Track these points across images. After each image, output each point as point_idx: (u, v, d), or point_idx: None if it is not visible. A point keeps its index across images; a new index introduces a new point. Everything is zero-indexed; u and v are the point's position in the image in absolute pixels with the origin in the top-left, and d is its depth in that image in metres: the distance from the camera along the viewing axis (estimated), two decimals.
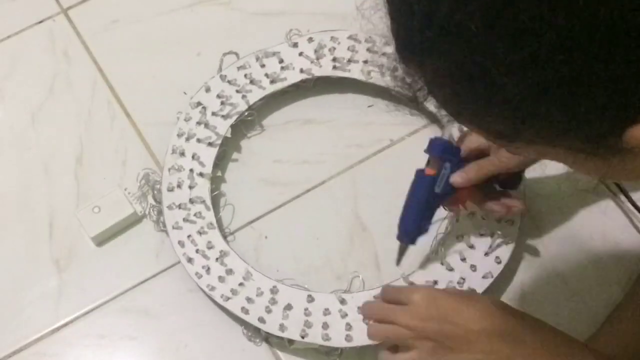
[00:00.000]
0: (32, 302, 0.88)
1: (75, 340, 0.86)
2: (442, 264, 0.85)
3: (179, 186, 0.90)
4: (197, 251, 0.87)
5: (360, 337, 0.81)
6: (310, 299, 0.84)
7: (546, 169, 0.87)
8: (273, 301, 0.83)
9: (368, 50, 0.97)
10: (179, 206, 0.89)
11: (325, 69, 0.97)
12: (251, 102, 0.95)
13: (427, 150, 0.79)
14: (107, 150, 0.97)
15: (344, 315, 0.83)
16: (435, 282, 0.84)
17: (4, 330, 0.86)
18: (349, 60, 0.97)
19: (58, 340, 0.86)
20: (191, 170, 0.91)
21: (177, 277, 0.88)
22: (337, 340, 0.81)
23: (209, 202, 0.89)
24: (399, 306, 0.76)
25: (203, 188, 0.90)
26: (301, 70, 0.97)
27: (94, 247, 0.91)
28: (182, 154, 0.92)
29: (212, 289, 0.85)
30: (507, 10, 0.42)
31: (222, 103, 0.95)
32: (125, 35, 1.06)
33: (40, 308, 0.88)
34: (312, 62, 0.97)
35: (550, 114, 0.44)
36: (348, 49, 0.97)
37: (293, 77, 0.97)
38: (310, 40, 0.98)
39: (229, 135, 0.94)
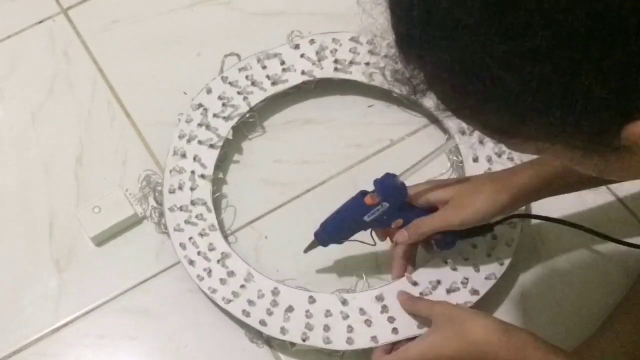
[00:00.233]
0: (32, 302, 0.88)
1: (75, 340, 0.86)
2: (445, 262, 0.84)
3: (180, 188, 0.90)
4: (198, 253, 0.87)
5: (361, 339, 0.81)
6: (312, 300, 0.83)
7: None
8: (274, 303, 0.83)
9: (370, 52, 0.97)
10: (181, 208, 0.89)
11: (326, 70, 0.97)
12: (252, 104, 0.95)
13: (375, 182, 0.80)
14: (107, 151, 0.97)
15: (346, 317, 0.82)
16: (439, 282, 0.84)
17: (4, 330, 0.86)
18: (351, 62, 0.97)
19: (58, 340, 0.86)
20: (192, 172, 0.91)
21: (177, 277, 0.88)
22: (339, 343, 0.81)
23: (210, 204, 0.89)
24: None
25: (204, 190, 0.90)
26: (302, 72, 0.97)
27: (93, 247, 0.91)
28: (184, 155, 0.92)
29: (214, 291, 0.84)
30: (506, 5, 0.42)
31: (223, 105, 0.95)
32: (125, 35, 1.06)
33: (40, 308, 0.88)
34: (313, 63, 0.97)
35: (549, 110, 0.44)
36: (350, 50, 0.97)
37: (294, 78, 0.97)
38: (312, 41, 0.98)
39: (230, 137, 0.94)
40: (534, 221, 0.88)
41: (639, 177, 0.51)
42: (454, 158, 0.93)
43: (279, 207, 0.93)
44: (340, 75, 0.97)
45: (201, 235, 0.88)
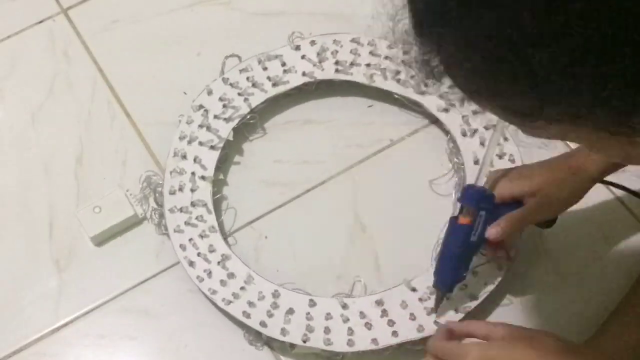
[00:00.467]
0: (32, 302, 0.88)
1: (75, 340, 0.86)
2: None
3: (180, 189, 0.90)
4: (198, 254, 0.87)
5: (362, 342, 0.81)
6: (312, 304, 0.83)
7: None
8: (275, 305, 0.83)
9: (371, 53, 0.97)
10: (181, 209, 0.89)
11: (327, 72, 0.97)
12: (253, 105, 0.95)
13: (461, 199, 0.79)
14: (107, 151, 0.97)
15: (346, 320, 0.82)
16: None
17: (4, 330, 0.86)
18: (352, 64, 0.97)
19: (58, 340, 0.86)
20: (193, 174, 0.91)
21: (177, 278, 0.88)
22: (339, 345, 0.81)
23: (210, 205, 0.89)
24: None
25: (205, 191, 0.90)
26: (303, 74, 0.97)
27: (93, 247, 0.91)
28: (184, 157, 0.92)
29: (214, 292, 0.84)
30: None
31: (224, 106, 0.95)
32: (125, 35, 1.06)
33: (40, 308, 0.88)
34: (314, 65, 0.97)
35: (578, 89, 0.42)
36: (350, 52, 0.97)
37: (295, 80, 0.97)
38: (313, 43, 0.98)
39: (231, 138, 0.94)
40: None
41: None
42: (455, 160, 0.93)
43: (279, 207, 0.93)
44: (341, 77, 0.97)
45: (201, 236, 0.88)
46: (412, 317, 0.82)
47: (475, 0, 0.42)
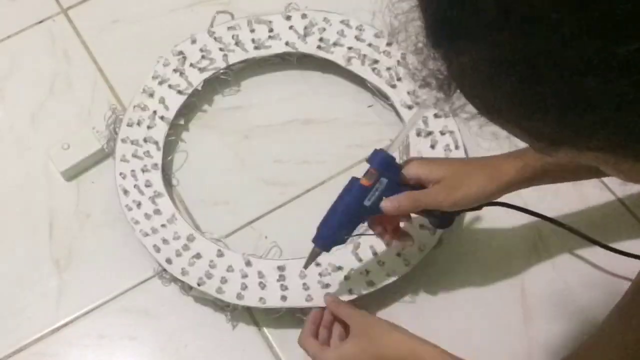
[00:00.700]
0: (32, 302, 0.88)
1: (75, 340, 0.86)
2: (356, 252, 0.86)
3: (138, 124, 0.94)
4: (135, 186, 0.90)
5: (251, 298, 0.84)
6: (220, 254, 0.87)
7: None
8: (186, 247, 0.87)
9: (356, 37, 0.98)
10: (132, 142, 0.92)
11: (309, 46, 0.98)
12: (230, 62, 0.97)
13: (369, 160, 0.77)
14: None
15: (244, 276, 0.85)
16: (339, 268, 0.85)
17: (4, 330, 0.86)
18: (334, 44, 0.98)
19: (58, 340, 0.86)
20: (154, 112, 0.94)
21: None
22: (229, 296, 0.84)
23: (161, 144, 0.93)
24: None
25: (160, 131, 0.94)
26: (287, 43, 0.98)
27: (93, 247, 0.91)
28: (151, 95, 0.95)
29: (136, 222, 0.88)
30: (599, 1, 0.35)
31: (202, 57, 0.97)
32: (125, 35, 1.06)
33: (40, 308, 0.88)
34: (299, 37, 0.99)
35: (626, 121, 0.37)
36: (337, 32, 0.99)
37: (277, 47, 0.99)
38: (304, 16, 1.00)
39: (199, 88, 0.96)
40: (534, 220, 0.88)
41: None
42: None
43: (279, 207, 0.93)
44: (321, 54, 0.98)
45: (143, 170, 0.91)
46: (305, 287, 0.85)
47: (517, 16, 0.37)
